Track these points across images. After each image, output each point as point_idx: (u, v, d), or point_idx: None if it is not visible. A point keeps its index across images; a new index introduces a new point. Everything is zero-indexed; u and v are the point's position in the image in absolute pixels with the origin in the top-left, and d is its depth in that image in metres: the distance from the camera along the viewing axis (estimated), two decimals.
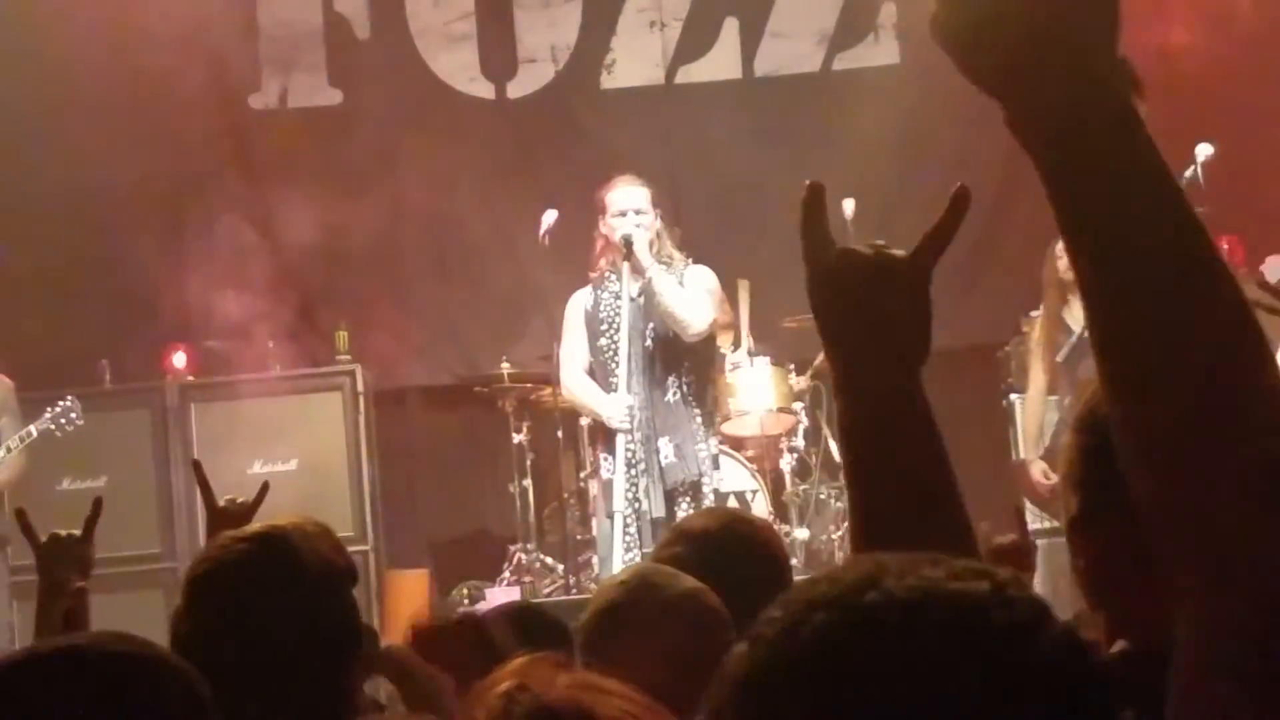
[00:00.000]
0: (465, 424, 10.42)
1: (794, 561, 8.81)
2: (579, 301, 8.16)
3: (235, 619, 2.51)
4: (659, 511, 7.59)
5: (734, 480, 9.15)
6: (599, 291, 8.05)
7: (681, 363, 7.93)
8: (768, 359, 9.31)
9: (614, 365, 7.89)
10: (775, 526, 8.74)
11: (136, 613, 8.49)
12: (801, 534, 9.25)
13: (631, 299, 7.82)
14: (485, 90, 11.08)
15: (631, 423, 7.72)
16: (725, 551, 3.28)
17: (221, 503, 3.77)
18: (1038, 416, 8.95)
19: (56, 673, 1.70)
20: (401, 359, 10.78)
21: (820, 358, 9.43)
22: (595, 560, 8.31)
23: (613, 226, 7.89)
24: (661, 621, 2.71)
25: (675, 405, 7.87)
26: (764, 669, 1.20)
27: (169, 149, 10.17)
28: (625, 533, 7.67)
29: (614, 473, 7.72)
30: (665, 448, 7.74)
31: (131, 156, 10.20)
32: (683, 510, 7.69)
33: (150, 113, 10.17)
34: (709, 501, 7.86)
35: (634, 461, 7.73)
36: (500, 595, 8.79)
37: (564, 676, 1.58)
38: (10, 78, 10.10)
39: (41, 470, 9.37)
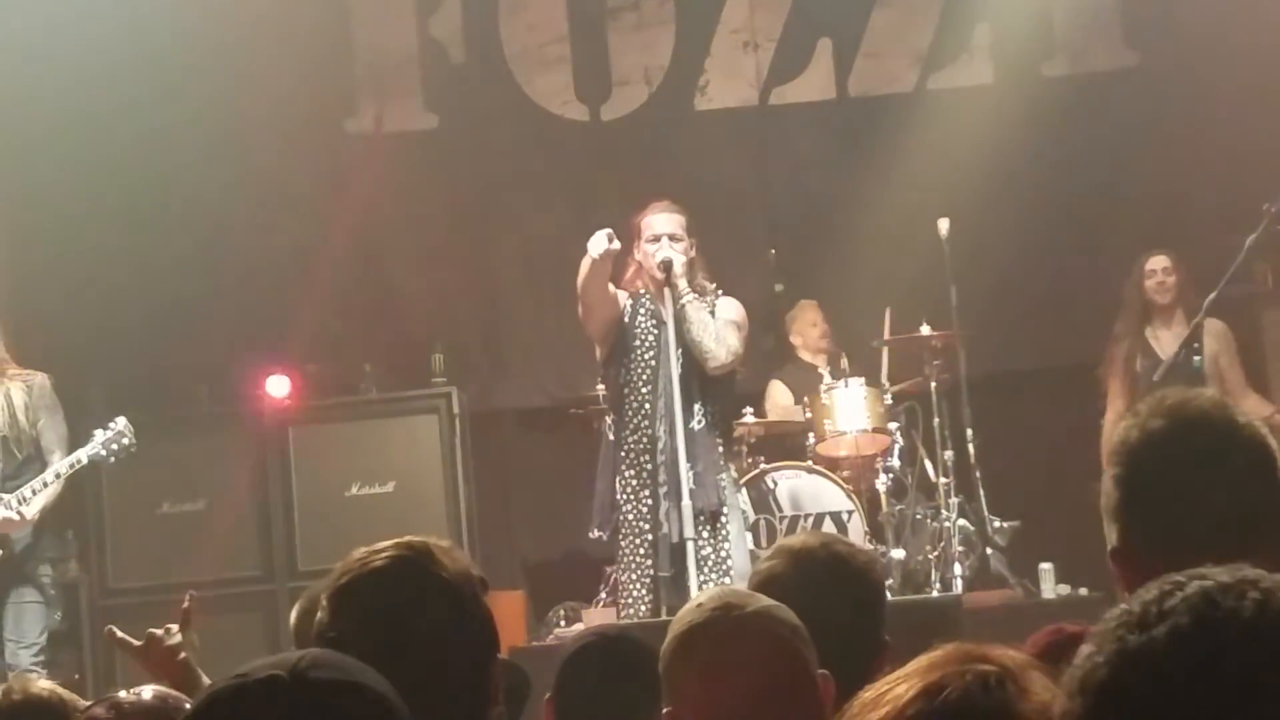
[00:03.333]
0: (561, 445, 10.43)
1: (890, 581, 8.79)
2: (619, 298, 8.01)
3: (381, 624, 2.54)
4: (689, 532, 7.44)
5: (829, 500, 9.13)
6: (635, 305, 7.98)
7: (708, 391, 7.84)
8: (862, 379, 9.29)
9: (639, 383, 7.84)
10: (871, 546, 8.74)
11: (236, 636, 8.57)
12: (898, 554, 9.21)
13: (662, 323, 7.78)
14: (579, 113, 11.11)
15: (605, 247, 7.53)
16: (823, 569, 3.29)
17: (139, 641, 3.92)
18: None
19: (274, 694, 1.70)
20: (497, 381, 10.83)
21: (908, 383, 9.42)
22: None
23: (647, 251, 7.85)
24: (738, 639, 2.73)
25: (700, 433, 7.76)
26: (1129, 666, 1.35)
27: (263, 172, 10.25)
28: (639, 555, 7.70)
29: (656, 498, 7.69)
30: (688, 474, 7.57)
31: (228, 182, 10.31)
32: (703, 538, 7.61)
33: (246, 135, 10.26)
34: (727, 531, 7.76)
35: (653, 484, 7.71)
36: (597, 616, 8.79)
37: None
38: (122, 113, 10.22)
39: (141, 494, 9.48)
